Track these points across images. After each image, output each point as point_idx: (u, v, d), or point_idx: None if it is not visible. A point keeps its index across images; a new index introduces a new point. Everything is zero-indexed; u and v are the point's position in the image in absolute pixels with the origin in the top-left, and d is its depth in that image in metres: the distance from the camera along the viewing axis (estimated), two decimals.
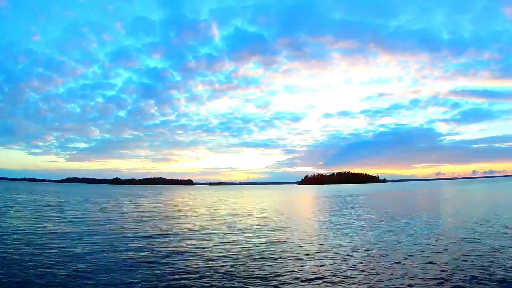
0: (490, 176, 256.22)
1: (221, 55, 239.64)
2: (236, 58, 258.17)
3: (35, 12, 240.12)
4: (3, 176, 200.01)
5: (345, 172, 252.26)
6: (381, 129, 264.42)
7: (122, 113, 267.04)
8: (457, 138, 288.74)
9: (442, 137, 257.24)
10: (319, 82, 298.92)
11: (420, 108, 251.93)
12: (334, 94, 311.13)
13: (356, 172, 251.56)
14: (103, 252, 10.32)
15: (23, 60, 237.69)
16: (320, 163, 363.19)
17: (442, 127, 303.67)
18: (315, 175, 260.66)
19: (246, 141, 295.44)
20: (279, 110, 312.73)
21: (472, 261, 9.03)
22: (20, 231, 13.91)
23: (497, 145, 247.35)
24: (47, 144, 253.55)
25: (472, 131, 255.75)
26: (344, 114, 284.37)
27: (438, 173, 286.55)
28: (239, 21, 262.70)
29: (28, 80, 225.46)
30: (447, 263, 9.00)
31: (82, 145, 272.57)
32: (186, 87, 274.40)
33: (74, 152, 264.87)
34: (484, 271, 8.10)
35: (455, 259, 9.32)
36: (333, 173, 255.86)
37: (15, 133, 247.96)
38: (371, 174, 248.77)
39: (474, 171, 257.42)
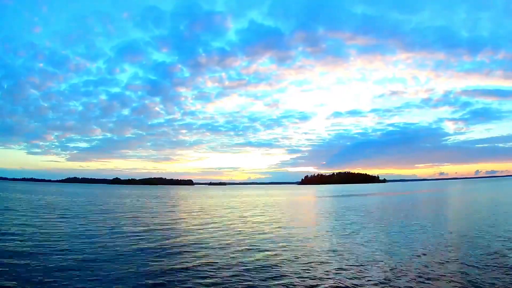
0: (492, 176, 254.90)
1: (234, 49, 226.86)
2: (249, 53, 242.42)
3: (37, 1, 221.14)
4: (3, 176, 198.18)
5: (345, 172, 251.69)
6: (390, 128, 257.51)
7: (125, 111, 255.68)
8: (462, 137, 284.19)
9: (449, 137, 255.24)
10: (332, 80, 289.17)
11: (431, 107, 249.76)
12: (346, 92, 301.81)
13: (356, 172, 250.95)
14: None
15: (23, 54, 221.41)
16: (323, 163, 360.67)
17: (450, 127, 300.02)
18: (315, 175, 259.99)
19: (250, 140, 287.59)
20: (288, 108, 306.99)
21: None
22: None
23: (501, 145, 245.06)
24: (48, 143, 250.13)
25: (479, 131, 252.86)
26: (354, 113, 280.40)
27: (441, 173, 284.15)
28: (255, 14, 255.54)
29: (29, 76, 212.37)
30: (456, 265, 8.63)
31: (83, 144, 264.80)
32: (195, 84, 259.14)
33: (74, 151, 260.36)
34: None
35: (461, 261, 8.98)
36: (333, 173, 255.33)
37: (15, 132, 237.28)
38: (371, 174, 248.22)
39: (477, 171, 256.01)
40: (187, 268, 8.61)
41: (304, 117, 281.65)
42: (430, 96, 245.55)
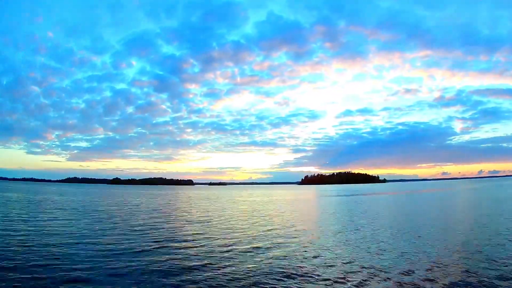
0: (494, 176, 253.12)
1: (250, 43, 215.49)
2: (265, 47, 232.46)
3: None
4: (3, 176, 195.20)
5: (345, 172, 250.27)
6: (400, 127, 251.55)
7: (130, 109, 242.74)
8: (467, 137, 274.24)
9: (454, 136, 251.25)
10: (348, 77, 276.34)
11: (443, 106, 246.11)
12: (360, 90, 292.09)
13: (356, 172, 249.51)
14: None
15: (23, 47, 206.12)
16: (325, 162, 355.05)
17: (458, 126, 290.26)
18: (315, 175, 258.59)
19: (255, 140, 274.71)
20: (299, 106, 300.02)
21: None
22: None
23: (505, 144, 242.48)
24: (48, 143, 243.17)
25: (486, 130, 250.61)
26: (365, 111, 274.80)
27: (444, 173, 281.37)
28: (275, 5, 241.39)
29: (29, 71, 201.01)
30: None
31: (84, 144, 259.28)
32: (205, 80, 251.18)
33: (75, 151, 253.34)
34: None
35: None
36: (334, 173, 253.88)
37: (15, 132, 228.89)
38: (371, 174, 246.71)
39: (480, 171, 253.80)
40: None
41: (313, 116, 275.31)
42: (442, 95, 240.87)
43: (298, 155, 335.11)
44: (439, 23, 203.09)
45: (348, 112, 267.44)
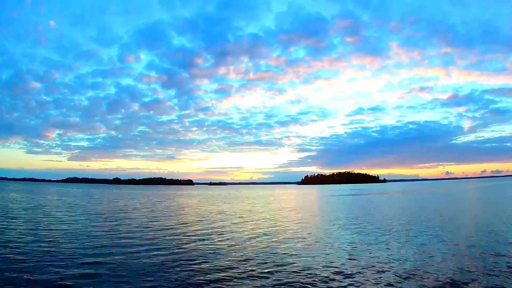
0: (496, 176, 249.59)
1: (268, 36, 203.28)
2: (283, 40, 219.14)
3: None
4: (2, 176, 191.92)
5: (345, 172, 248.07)
6: (410, 126, 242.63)
7: (135, 106, 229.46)
8: (472, 137, 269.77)
9: (461, 136, 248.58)
10: (365, 73, 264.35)
11: (455, 104, 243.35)
12: (375, 87, 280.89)
13: (356, 172, 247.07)
14: None
15: (24, 39, 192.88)
16: (327, 162, 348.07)
17: (467, 125, 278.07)
18: (315, 175, 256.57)
19: (261, 139, 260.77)
20: (310, 104, 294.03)
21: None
22: None
23: (509, 144, 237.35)
24: (48, 142, 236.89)
25: (494, 130, 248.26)
26: (376, 109, 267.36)
27: (447, 173, 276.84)
28: None
29: (30, 65, 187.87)
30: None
31: (86, 143, 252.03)
32: (216, 75, 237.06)
33: (76, 151, 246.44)
34: None
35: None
36: (334, 173, 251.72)
37: (14, 131, 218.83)
38: (371, 174, 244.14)
39: (483, 171, 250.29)
40: None
41: (324, 114, 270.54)
42: (456, 93, 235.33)
43: (303, 154, 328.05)
44: (462, 20, 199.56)
45: (360, 110, 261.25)
